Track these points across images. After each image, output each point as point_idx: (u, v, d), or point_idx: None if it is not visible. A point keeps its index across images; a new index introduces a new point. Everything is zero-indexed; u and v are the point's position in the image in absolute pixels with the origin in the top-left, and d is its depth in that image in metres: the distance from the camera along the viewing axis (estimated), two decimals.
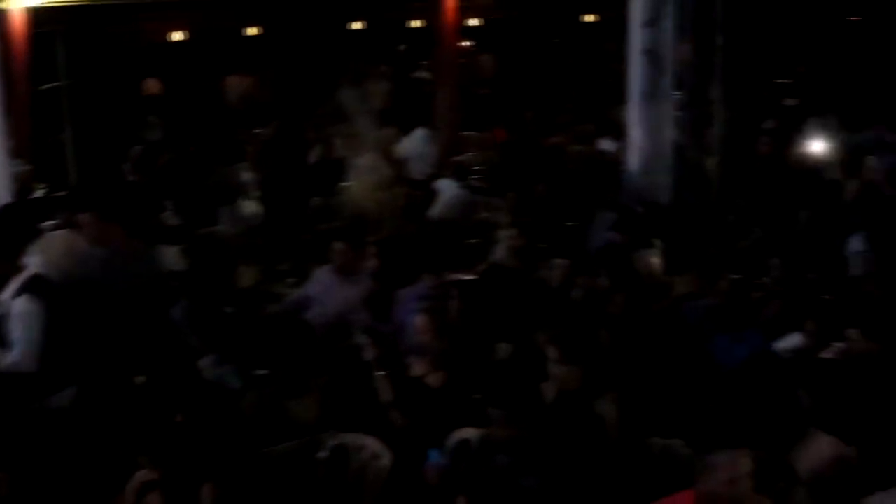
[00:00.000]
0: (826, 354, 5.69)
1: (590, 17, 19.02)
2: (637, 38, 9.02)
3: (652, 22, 8.86)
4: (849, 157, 9.33)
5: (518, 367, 5.73)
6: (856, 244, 7.55)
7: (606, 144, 9.37)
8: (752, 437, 4.94)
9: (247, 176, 10.08)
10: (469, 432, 5.08)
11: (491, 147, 11.71)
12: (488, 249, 7.88)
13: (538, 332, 5.73)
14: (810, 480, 4.74)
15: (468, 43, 19.98)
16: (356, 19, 16.99)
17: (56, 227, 6.74)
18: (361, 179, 9.42)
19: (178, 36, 14.23)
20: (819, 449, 4.81)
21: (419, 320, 5.84)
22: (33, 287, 5.49)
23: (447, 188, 9.86)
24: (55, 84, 11.75)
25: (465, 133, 12.34)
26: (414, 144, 11.45)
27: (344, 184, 9.71)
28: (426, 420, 5.36)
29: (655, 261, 7.26)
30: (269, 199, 9.67)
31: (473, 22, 19.61)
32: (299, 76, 14.50)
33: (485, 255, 7.80)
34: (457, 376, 5.66)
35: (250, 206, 9.58)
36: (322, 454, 5.15)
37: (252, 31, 15.33)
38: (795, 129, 10.40)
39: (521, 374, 5.48)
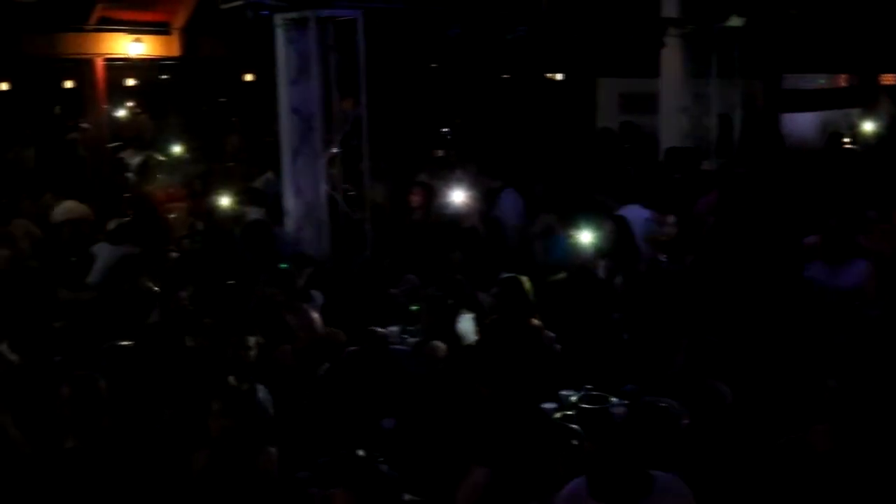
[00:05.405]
0: None
1: (249, 77, 19.19)
2: (286, 97, 9.19)
3: (298, 80, 9.06)
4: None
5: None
6: None
7: (254, 213, 9.46)
8: None
9: None
10: None
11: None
12: (147, 313, 7.67)
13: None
14: None
15: (131, 103, 19.52)
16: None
17: None
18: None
19: None
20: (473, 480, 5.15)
21: (64, 392, 5.57)
22: None
23: (104, 251, 9.51)
24: None
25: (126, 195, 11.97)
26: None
27: None
28: None
29: (315, 315, 7.40)
30: None
31: (131, 82, 19.26)
32: None
33: (144, 319, 7.58)
34: None
35: None
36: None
37: None
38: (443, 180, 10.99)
39: None
